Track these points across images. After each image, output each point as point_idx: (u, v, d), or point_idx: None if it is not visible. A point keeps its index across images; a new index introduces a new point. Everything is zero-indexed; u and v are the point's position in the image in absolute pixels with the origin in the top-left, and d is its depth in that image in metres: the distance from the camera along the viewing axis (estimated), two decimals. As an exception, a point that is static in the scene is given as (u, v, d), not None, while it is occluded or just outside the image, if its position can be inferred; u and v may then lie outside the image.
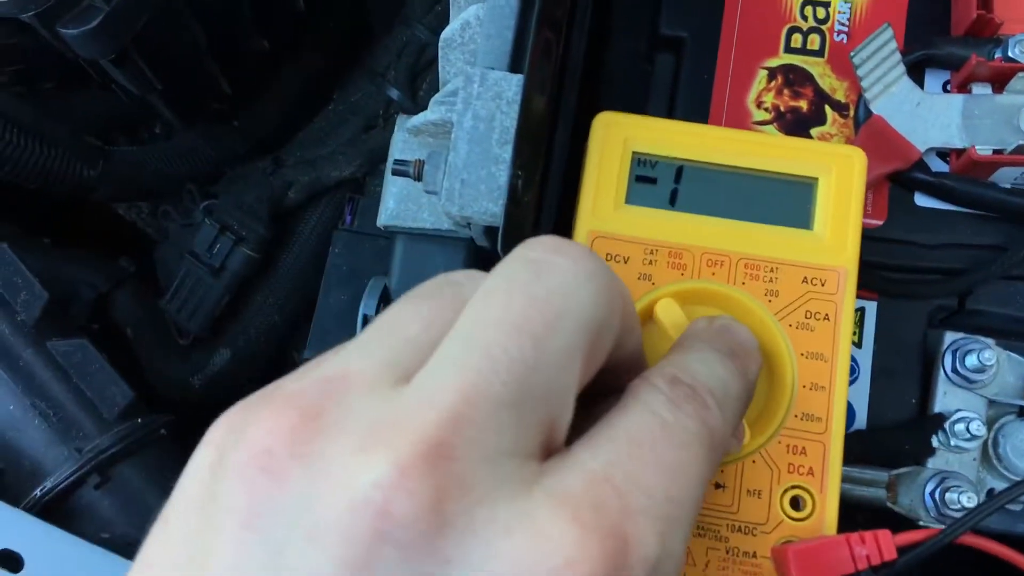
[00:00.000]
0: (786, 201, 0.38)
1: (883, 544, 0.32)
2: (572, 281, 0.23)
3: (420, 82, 0.66)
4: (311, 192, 0.65)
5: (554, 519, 0.20)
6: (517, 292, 0.22)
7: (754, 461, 0.35)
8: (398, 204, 0.44)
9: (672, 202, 0.38)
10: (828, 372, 0.36)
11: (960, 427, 0.40)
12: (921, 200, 0.45)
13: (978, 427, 0.40)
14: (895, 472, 0.42)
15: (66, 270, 0.66)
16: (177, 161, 0.68)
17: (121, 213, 0.89)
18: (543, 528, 0.20)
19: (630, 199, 0.38)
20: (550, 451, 0.22)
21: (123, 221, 0.86)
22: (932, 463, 0.42)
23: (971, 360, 0.41)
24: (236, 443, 0.21)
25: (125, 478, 0.50)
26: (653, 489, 0.22)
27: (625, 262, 0.37)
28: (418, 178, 0.39)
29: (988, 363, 0.41)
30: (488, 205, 0.37)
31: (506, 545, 0.19)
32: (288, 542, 0.19)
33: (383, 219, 0.44)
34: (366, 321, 0.42)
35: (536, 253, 0.24)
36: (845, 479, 0.41)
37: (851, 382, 0.43)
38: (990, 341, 0.42)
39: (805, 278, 0.37)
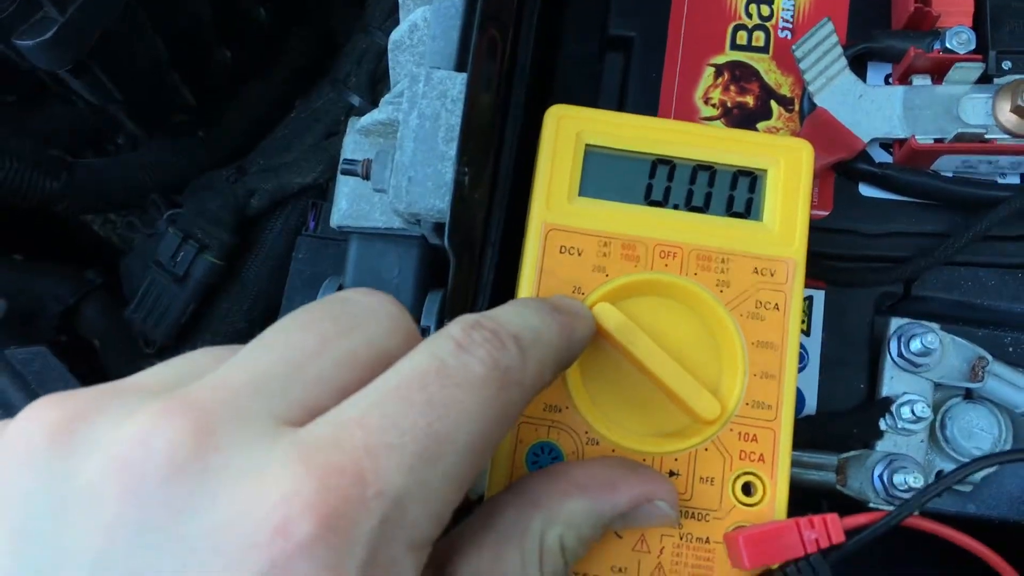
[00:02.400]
0: (736, 193, 0.39)
1: (832, 527, 0.33)
2: (370, 309, 0.25)
3: (381, 88, 0.66)
4: (274, 199, 0.65)
5: (282, 462, 0.20)
6: (317, 307, 0.25)
7: (706, 449, 0.36)
8: (350, 204, 0.45)
9: (625, 194, 0.38)
10: (778, 360, 0.36)
11: (906, 410, 0.41)
12: (865, 190, 0.46)
13: (923, 409, 0.41)
14: (844, 456, 0.42)
15: (33, 284, 0.66)
16: (142, 172, 0.68)
17: (96, 229, 0.89)
18: (269, 471, 0.20)
19: (584, 191, 0.38)
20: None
21: (91, 232, 0.86)
22: (881, 446, 0.42)
23: (915, 344, 0.42)
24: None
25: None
26: (412, 426, 0.22)
27: (579, 254, 0.37)
28: (366, 176, 0.40)
29: (932, 347, 0.42)
30: (435, 202, 0.38)
31: (232, 491, 0.20)
32: (57, 510, 0.20)
33: (336, 219, 0.45)
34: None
35: (347, 294, 0.26)
36: (795, 464, 0.42)
37: (800, 370, 0.44)
38: (934, 325, 0.43)
39: (756, 268, 0.37)
